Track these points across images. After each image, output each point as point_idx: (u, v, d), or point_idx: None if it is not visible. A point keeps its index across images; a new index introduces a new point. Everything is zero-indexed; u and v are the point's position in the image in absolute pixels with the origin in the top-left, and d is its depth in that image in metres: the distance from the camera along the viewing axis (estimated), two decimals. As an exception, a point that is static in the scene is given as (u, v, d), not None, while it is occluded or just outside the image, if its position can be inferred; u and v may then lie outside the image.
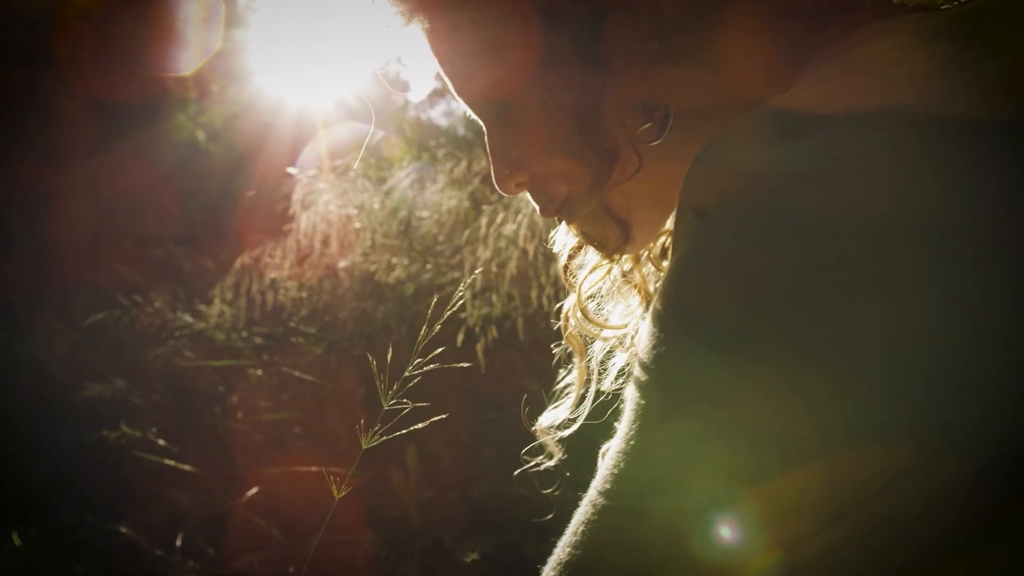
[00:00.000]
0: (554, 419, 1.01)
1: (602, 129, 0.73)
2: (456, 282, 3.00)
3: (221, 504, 2.66)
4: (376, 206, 3.33)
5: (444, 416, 1.18)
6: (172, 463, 2.79)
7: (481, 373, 2.54)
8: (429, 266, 3.19)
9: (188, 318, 3.51)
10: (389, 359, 0.99)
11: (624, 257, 0.93)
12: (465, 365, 1.20)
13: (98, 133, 5.89)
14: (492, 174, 0.83)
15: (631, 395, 0.52)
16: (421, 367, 1.01)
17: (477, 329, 2.74)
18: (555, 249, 1.00)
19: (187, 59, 6.15)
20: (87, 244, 5.50)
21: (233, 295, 3.52)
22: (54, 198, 5.72)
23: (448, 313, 0.97)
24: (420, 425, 1.04)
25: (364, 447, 1.14)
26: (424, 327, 0.97)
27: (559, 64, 0.71)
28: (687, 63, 0.70)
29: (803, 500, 0.43)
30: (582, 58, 0.70)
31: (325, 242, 3.25)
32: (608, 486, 0.50)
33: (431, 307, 1.02)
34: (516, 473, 1.07)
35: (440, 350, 0.99)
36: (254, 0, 7.38)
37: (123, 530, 2.52)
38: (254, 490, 2.68)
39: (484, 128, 0.83)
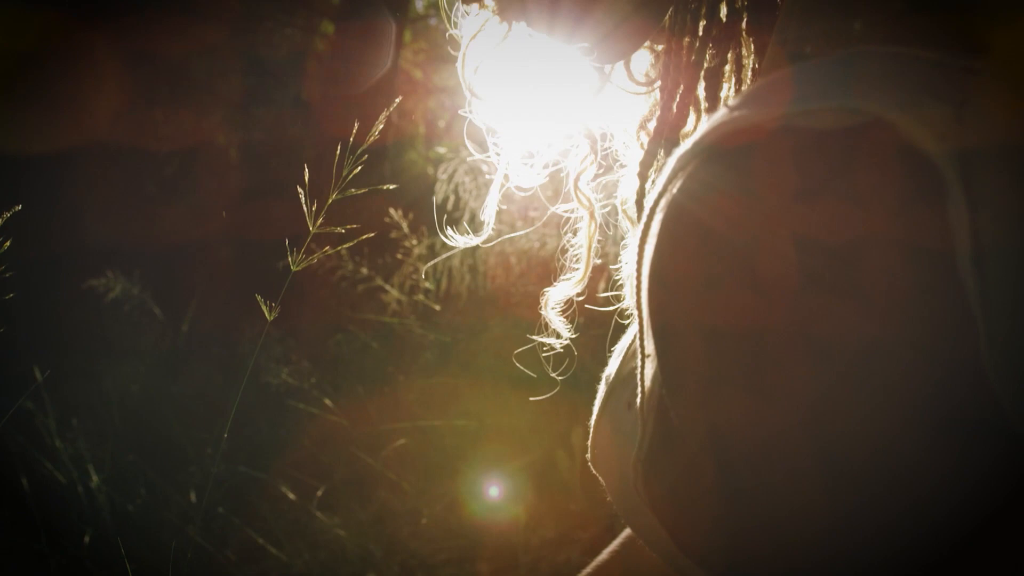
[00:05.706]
0: (563, 294, 0.92)
1: None
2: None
3: (365, 460, 2.73)
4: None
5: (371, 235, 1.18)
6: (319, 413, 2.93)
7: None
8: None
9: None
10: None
11: None
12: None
13: (341, 171, 6.38)
14: None
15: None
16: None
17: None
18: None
19: (412, 97, 6.52)
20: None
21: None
22: (306, 237, 6.24)
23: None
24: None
25: (293, 270, 1.17)
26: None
27: None
28: None
29: None
30: None
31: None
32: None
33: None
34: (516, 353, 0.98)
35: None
36: (477, 39, 7.69)
37: (276, 482, 2.65)
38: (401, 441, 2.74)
39: None
